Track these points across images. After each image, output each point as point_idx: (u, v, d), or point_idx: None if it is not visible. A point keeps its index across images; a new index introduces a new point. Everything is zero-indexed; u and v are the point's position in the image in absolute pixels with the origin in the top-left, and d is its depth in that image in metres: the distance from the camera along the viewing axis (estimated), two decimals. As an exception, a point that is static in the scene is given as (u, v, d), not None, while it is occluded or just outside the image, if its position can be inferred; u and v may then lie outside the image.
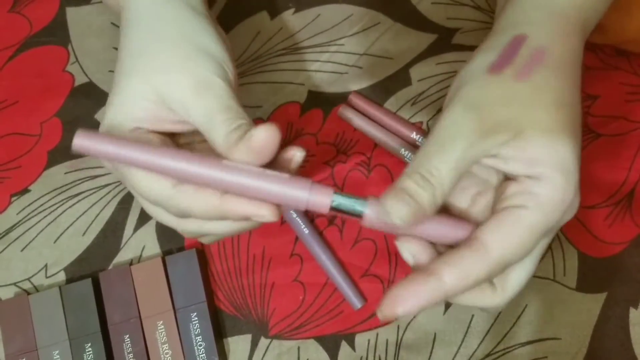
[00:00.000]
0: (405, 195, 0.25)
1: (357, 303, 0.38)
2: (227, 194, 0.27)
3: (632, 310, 0.37)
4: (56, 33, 0.44)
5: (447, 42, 0.42)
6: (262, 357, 0.38)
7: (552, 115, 0.26)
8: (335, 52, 0.43)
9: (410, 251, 0.27)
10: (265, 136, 0.26)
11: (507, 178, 0.27)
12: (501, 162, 0.26)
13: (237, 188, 0.26)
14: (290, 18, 0.43)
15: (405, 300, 0.25)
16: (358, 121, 0.41)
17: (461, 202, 0.29)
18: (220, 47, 0.30)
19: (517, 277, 0.27)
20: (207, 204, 0.27)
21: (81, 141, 0.26)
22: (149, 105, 0.28)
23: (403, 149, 0.39)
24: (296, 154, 0.28)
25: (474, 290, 0.27)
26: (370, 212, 0.26)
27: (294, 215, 0.39)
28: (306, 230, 0.39)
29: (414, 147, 0.40)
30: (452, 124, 0.26)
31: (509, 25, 0.29)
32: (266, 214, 0.27)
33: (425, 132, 0.40)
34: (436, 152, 0.26)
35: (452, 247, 0.27)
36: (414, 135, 0.40)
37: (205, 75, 0.28)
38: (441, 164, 0.25)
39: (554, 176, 0.25)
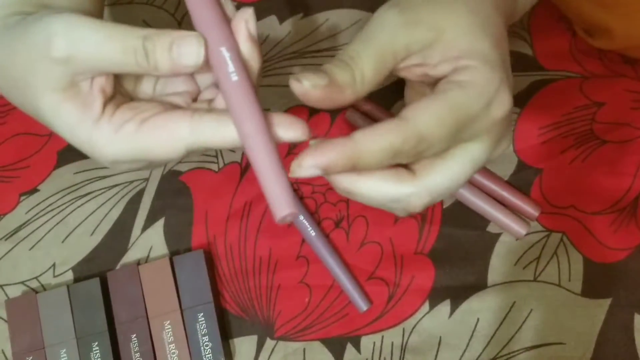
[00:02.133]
0: (322, 73, 0.25)
1: (362, 306, 0.38)
2: None
3: (637, 316, 0.37)
4: (67, 35, 0.45)
5: (454, 48, 0.42)
6: (268, 358, 0.38)
7: (472, 19, 0.27)
8: (343, 56, 0.43)
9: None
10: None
11: (436, 80, 0.27)
12: (430, 68, 0.27)
13: None
14: (299, 22, 0.44)
15: (312, 153, 0.25)
16: (365, 125, 0.41)
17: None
18: None
19: (437, 171, 0.27)
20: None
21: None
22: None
23: None
24: (249, 20, 0.27)
25: (388, 171, 0.26)
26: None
27: (301, 217, 0.39)
28: (312, 233, 0.39)
29: None
30: (377, 18, 0.27)
31: None
32: None
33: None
34: (359, 41, 0.26)
35: None
36: None
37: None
38: (362, 51, 0.26)
39: (475, 64, 0.26)
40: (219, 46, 0.26)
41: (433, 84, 0.28)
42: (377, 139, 0.25)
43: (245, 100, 0.26)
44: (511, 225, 0.38)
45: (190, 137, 0.26)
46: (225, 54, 0.26)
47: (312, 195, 0.41)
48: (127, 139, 0.26)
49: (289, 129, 0.26)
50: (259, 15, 0.44)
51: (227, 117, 0.26)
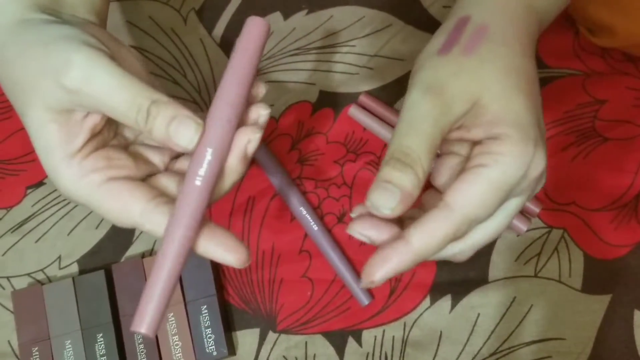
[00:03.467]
0: (388, 185, 0.26)
1: (364, 300, 0.38)
2: None
3: (636, 312, 0.38)
4: (73, 30, 0.45)
5: (458, 45, 0.42)
6: (270, 351, 0.39)
7: (502, 80, 0.27)
8: (346, 53, 0.43)
9: (363, 233, 0.28)
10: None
11: (472, 144, 0.28)
12: (465, 131, 0.28)
13: None
14: (303, 19, 0.44)
15: (379, 267, 0.26)
16: (368, 121, 0.41)
17: (440, 179, 0.30)
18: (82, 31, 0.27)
19: (481, 231, 0.28)
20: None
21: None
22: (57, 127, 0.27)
23: None
24: (261, 114, 0.28)
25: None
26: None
27: (304, 212, 0.40)
28: (315, 227, 0.39)
29: None
30: (413, 105, 0.27)
31: (456, 10, 0.30)
32: None
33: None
34: (407, 135, 0.27)
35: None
36: None
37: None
38: (414, 144, 0.26)
39: (510, 132, 0.26)
40: (208, 145, 0.26)
41: (467, 143, 0.29)
42: (431, 237, 0.26)
43: (191, 210, 0.26)
44: (512, 221, 0.39)
45: (139, 219, 0.27)
46: (208, 156, 0.26)
47: (315, 190, 0.41)
48: (87, 189, 0.27)
49: (228, 252, 0.27)
50: (264, 12, 0.44)
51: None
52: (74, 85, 0.26)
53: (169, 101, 0.26)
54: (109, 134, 0.29)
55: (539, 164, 0.27)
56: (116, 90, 0.26)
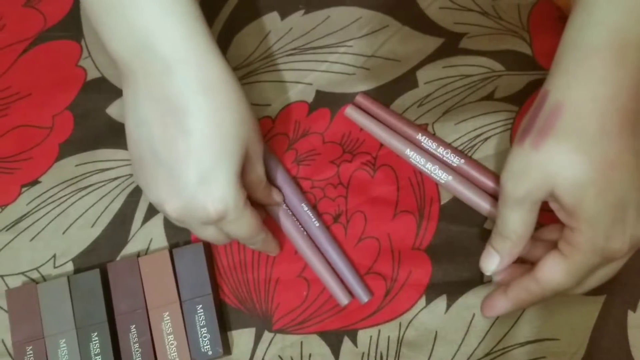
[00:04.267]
0: (492, 251, 0.35)
1: (364, 297, 0.38)
2: None
3: (630, 313, 0.38)
4: (70, 28, 0.45)
5: (454, 46, 0.43)
6: (265, 351, 0.39)
7: (571, 171, 0.29)
8: (343, 53, 0.43)
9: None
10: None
11: None
12: (556, 212, 0.32)
13: None
14: (300, 19, 0.44)
15: (488, 309, 0.36)
16: (364, 121, 0.41)
17: (551, 235, 0.35)
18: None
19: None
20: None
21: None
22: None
23: (408, 150, 0.40)
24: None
25: None
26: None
27: (305, 208, 0.40)
28: (317, 224, 0.39)
29: (418, 148, 0.40)
30: (502, 192, 0.33)
31: (543, 91, 0.32)
32: None
33: (430, 134, 0.41)
34: (506, 219, 0.33)
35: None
36: (419, 137, 0.41)
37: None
38: (513, 226, 0.33)
39: (581, 227, 0.30)
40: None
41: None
42: (522, 301, 0.34)
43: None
44: None
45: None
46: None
47: (312, 190, 0.41)
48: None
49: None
50: (261, 11, 0.44)
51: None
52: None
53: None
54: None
55: (619, 239, 0.30)
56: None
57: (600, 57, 0.29)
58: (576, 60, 0.30)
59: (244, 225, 0.35)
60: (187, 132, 0.31)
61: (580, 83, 0.29)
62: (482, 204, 0.39)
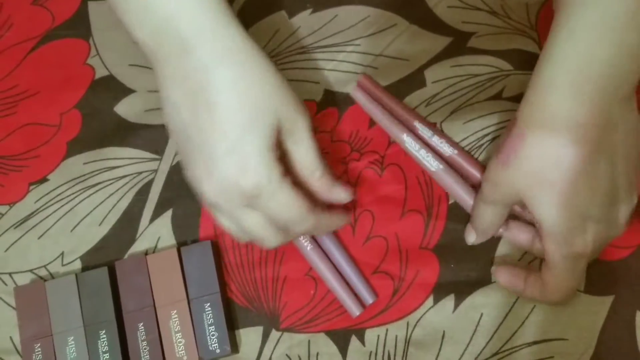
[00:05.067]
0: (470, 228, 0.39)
1: (369, 299, 0.38)
2: None
3: (638, 314, 0.38)
4: (78, 26, 0.45)
5: (462, 46, 0.43)
6: (273, 349, 0.39)
7: (533, 187, 0.33)
8: (351, 52, 0.43)
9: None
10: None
11: None
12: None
13: None
14: (308, 18, 0.44)
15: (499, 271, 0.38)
16: (371, 107, 0.41)
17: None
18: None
19: None
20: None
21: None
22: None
23: (405, 135, 0.40)
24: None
25: None
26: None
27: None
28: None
29: (415, 135, 0.40)
30: (481, 191, 0.37)
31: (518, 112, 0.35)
32: None
33: (426, 122, 0.41)
34: (482, 212, 0.37)
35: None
36: (415, 124, 0.40)
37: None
38: (488, 217, 0.37)
39: (550, 238, 0.34)
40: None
41: None
42: (534, 297, 0.38)
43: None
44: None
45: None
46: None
47: (319, 189, 0.41)
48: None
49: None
50: (268, 10, 0.44)
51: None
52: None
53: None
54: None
55: (581, 246, 0.33)
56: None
57: (558, 93, 0.32)
58: (536, 94, 0.33)
59: (284, 202, 0.32)
60: (212, 106, 0.31)
61: (540, 114, 0.32)
62: (467, 200, 0.39)
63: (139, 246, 0.41)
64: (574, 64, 0.31)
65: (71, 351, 0.37)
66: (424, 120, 0.41)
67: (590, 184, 0.32)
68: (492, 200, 0.36)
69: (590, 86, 0.31)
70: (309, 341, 0.39)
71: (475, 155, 0.41)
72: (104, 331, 0.38)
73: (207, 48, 0.31)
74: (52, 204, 0.42)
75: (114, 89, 0.43)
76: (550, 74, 0.32)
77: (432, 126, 0.41)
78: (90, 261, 0.41)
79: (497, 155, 0.35)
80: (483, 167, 0.40)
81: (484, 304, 0.38)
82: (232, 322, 0.39)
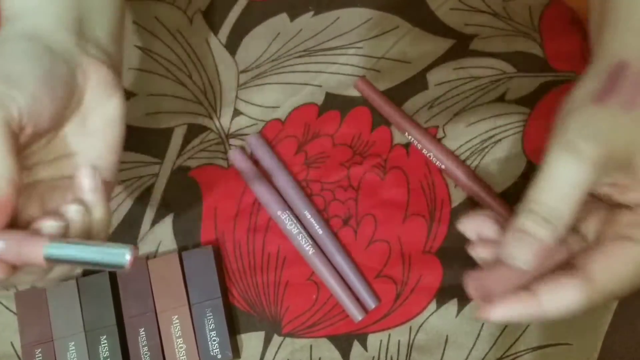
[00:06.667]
0: (524, 235, 0.26)
1: (371, 303, 0.38)
2: None
3: (643, 318, 0.37)
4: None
5: (465, 48, 0.42)
6: (275, 355, 0.38)
7: None
8: (353, 55, 0.43)
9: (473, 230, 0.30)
10: None
11: (621, 205, 0.28)
12: (617, 191, 0.27)
13: None
14: (310, 20, 0.44)
15: (498, 308, 0.27)
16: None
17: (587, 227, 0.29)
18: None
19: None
20: None
21: None
22: None
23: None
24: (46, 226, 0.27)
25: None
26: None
27: (308, 216, 0.39)
28: (320, 231, 0.39)
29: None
30: (562, 157, 0.26)
31: (609, 52, 0.29)
32: None
33: (429, 133, 0.40)
34: (550, 190, 0.26)
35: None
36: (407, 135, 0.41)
37: None
38: (557, 202, 0.26)
39: None
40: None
41: (612, 204, 0.28)
42: (562, 301, 0.26)
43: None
44: None
45: None
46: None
47: (321, 192, 0.41)
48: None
49: None
50: (271, 13, 0.44)
51: None
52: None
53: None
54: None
55: None
56: None
57: None
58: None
59: None
60: None
61: None
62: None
63: (140, 251, 0.41)
64: None
65: (72, 356, 0.37)
66: (418, 126, 0.40)
67: None
68: (592, 159, 0.25)
69: None
70: (311, 346, 0.39)
71: (478, 159, 0.40)
72: (105, 336, 0.37)
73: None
74: (53, 209, 0.42)
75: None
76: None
77: (428, 133, 0.40)
78: (91, 266, 0.41)
79: (606, 99, 0.26)
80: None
81: (488, 309, 0.38)
82: (233, 327, 0.39)
